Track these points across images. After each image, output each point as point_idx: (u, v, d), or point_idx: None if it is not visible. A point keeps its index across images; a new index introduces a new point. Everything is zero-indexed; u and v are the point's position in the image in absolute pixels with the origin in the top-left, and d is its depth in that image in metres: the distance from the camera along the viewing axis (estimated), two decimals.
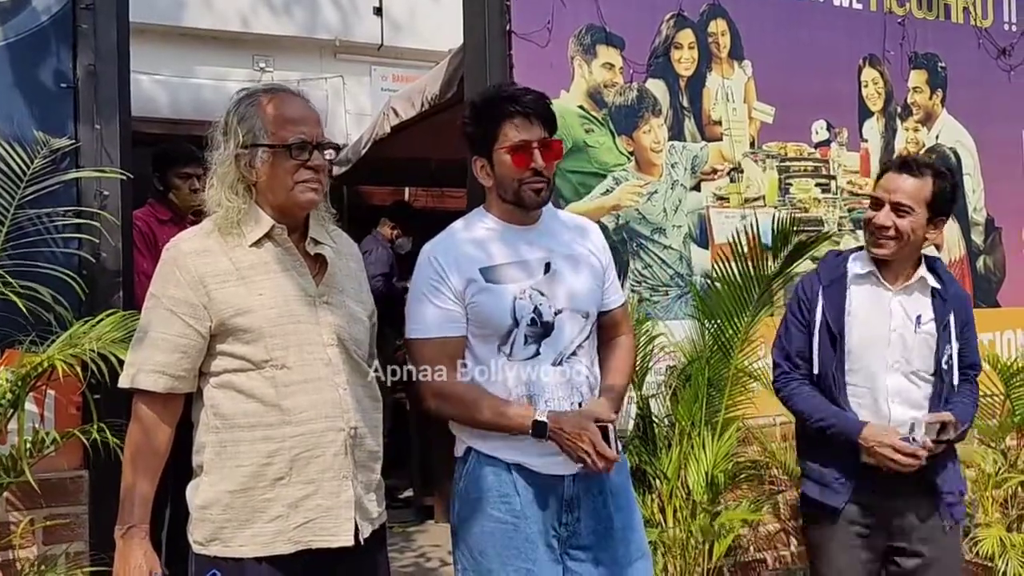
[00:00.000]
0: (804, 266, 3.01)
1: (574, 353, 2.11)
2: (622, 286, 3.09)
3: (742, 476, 3.24)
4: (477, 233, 2.13)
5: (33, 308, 2.44)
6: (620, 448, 2.17)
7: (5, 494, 2.45)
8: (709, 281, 3.55)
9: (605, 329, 2.23)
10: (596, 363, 2.19)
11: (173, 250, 1.85)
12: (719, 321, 3.16)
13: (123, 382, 1.83)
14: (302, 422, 1.81)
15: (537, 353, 2.06)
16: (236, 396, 1.81)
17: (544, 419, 1.97)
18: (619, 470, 2.14)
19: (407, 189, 7.06)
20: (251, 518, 1.80)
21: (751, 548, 3.67)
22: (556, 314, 2.07)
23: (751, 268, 3.01)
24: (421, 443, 4.86)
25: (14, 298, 2.35)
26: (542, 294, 2.08)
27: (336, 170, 6.96)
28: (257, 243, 1.85)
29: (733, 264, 3.09)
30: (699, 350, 3.33)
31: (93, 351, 2.18)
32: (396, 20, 6.94)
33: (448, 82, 4.11)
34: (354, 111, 7.05)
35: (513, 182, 2.06)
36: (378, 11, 6.87)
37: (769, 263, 2.95)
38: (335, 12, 6.84)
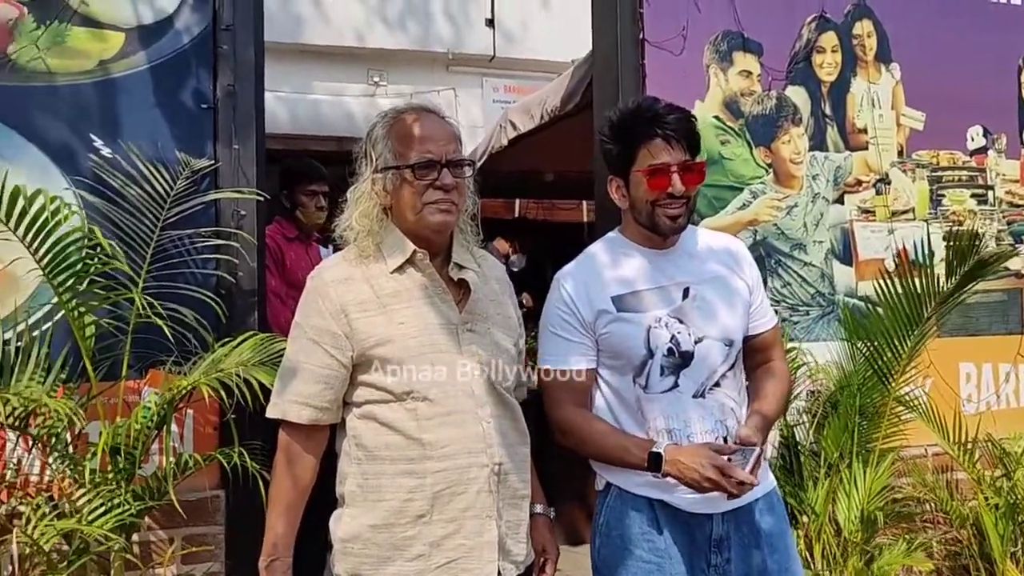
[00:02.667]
0: (980, 286, 2.76)
1: (717, 384, 1.95)
2: None
3: (901, 512, 2.98)
4: (611, 258, 2.00)
5: (175, 331, 2.45)
6: (772, 480, 2.02)
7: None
8: (865, 302, 3.31)
9: (754, 354, 2.05)
10: (744, 393, 2.02)
11: (316, 279, 1.80)
12: (875, 344, 2.92)
13: (272, 412, 1.79)
14: (444, 457, 1.72)
15: (676, 385, 1.92)
16: (378, 428, 1.74)
17: (660, 451, 1.82)
18: (772, 510, 1.98)
19: (518, 201, 6.99)
20: (392, 555, 1.72)
21: None
22: (696, 343, 1.93)
23: (918, 287, 2.75)
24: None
25: (158, 321, 2.36)
26: (680, 322, 1.93)
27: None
28: (399, 269, 1.78)
29: (896, 283, 2.84)
30: (848, 375, 3.09)
31: (238, 375, 2.16)
32: (508, 31, 6.89)
33: (571, 93, 4.00)
34: (466, 123, 7.02)
35: (647, 205, 1.92)
36: (490, 22, 6.84)
37: (941, 282, 2.69)
38: (448, 25, 6.85)
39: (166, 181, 2.61)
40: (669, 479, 1.82)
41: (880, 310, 2.88)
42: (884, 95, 3.62)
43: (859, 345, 3.05)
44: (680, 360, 1.92)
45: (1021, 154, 3.81)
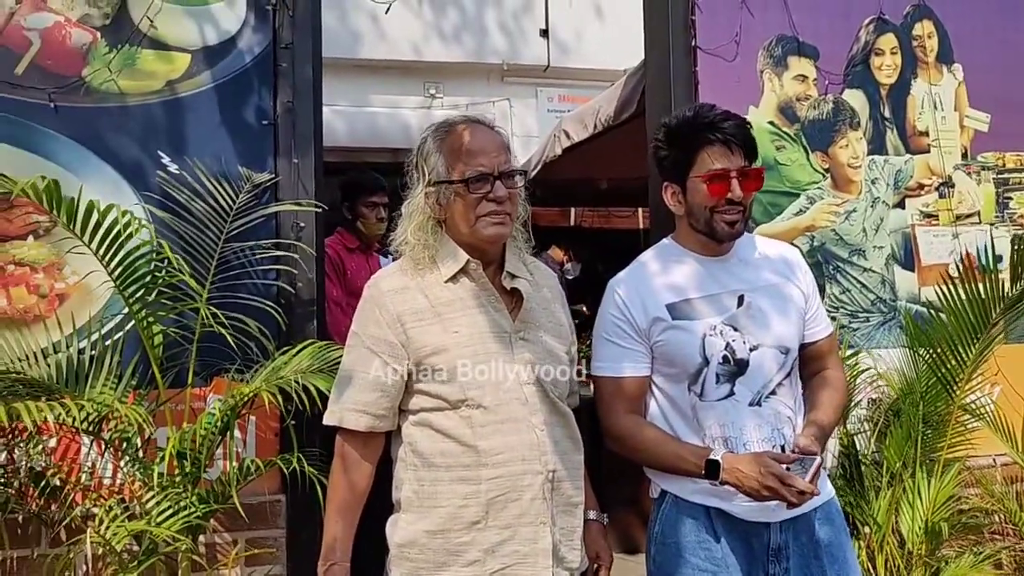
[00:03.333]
0: None
1: (773, 392, 1.93)
2: None
3: (967, 524, 2.90)
4: (665, 266, 2.00)
5: (238, 339, 2.53)
6: (831, 490, 1.99)
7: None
8: (928, 308, 3.23)
9: (809, 363, 2.04)
10: (800, 402, 2.00)
11: (373, 288, 1.84)
12: (939, 351, 2.85)
13: (328, 419, 1.83)
14: (499, 464, 1.74)
15: (731, 393, 1.91)
16: (433, 435, 1.78)
17: (718, 458, 1.81)
18: (831, 520, 1.95)
19: (573, 210, 7.01)
20: (447, 561, 1.75)
21: None
22: (751, 351, 1.92)
23: (982, 292, 2.68)
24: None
25: (222, 331, 2.44)
26: (735, 329, 1.93)
27: None
28: (453, 278, 1.81)
29: (959, 288, 2.77)
30: (911, 383, 3.02)
31: (297, 382, 2.22)
32: (562, 41, 6.92)
33: (625, 102, 4.01)
34: (521, 133, 7.09)
35: (705, 211, 1.92)
36: (544, 33, 6.88)
37: (1006, 287, 2.62)
38: (502, 36, 6.91)
39: (229, 195, 2.71)
40: (727, 487, 1.81)
41: (943, 316, 2.81)
42: (946, 96, 3.54)
43: (922, 352, 2.97)
44: (735, 368, 1.91)
45: None
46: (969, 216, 3.52)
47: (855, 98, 3.44)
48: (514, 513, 1.75)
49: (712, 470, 1.81)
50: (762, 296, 1.95)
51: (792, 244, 3.22)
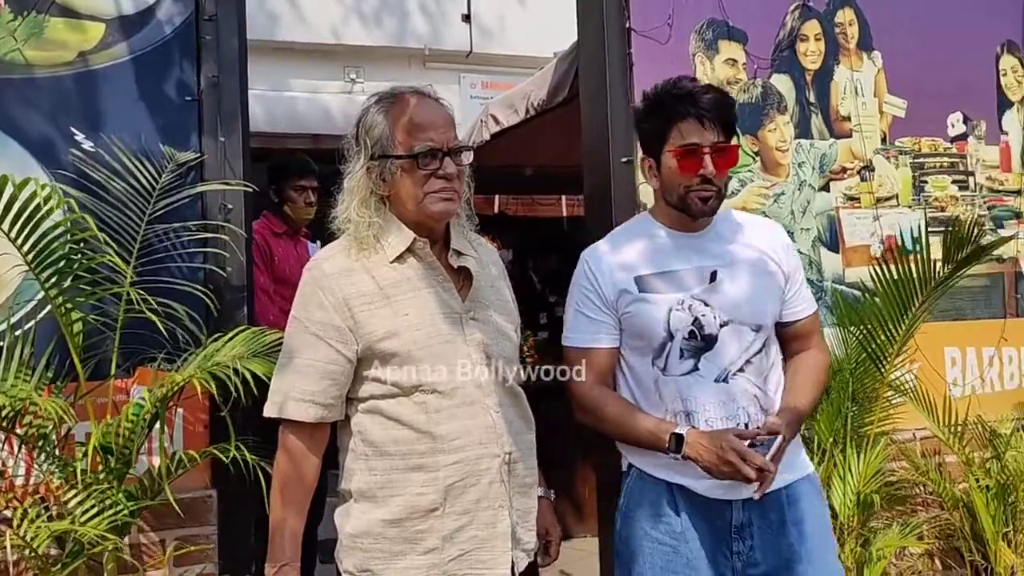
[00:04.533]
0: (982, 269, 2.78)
1: (741, 369, 1.93)
2: None
3: (895, 496, 3.00)
4: (638, 239, 1.98)
5: (166, 326, 2.39)
6: (806, 469, 2.01)
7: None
8: (853, 289, 3.33)
9: (791, 342, 2.03)
10: (773, 380, 1.97)
11: (315, 271, 1.74)
12: (869, 328, 2.93)
13: (269, 411, 1.73)
14: (456, 449, 1.69)
15: (695, 368, 1.90)
16: (386, 423, 1.71)
17: (683, 432, 1.80)
18: (805, 498, 1.95)
19: (498, 197, 6.96)
20: (404, 550, 1.69)
21: (892, 573, 3.42)
22: (722, 326, 1.90)
23: (914, 272, 2.77)
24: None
25: (152, 316, 2.30)
26: (706, 304, 1.91)
27: None
28: (399, 258, 1.73)
29: (892, 269, 2.86)
30: (840, 361, 3.10)
31: (229, 367, 2.11)
32: (485, 26, 6.87)
33: (558, 85, 3.98)
34: None
35: (679, 187, 1.90)
36: (467, 18, 6.80)
37: (937, 267, 2.71)
38: (424, 20, 6.80)
39: (151, 175, 2.56)
40: (689, 462, 1.81)
41: (875, 295, 2.89)
42: (867, 83, 3.64)
43: (852, 331, 3.05)
44: (702, 343, 1.90)
45: (1000, 140, 3.85)
46: (888, 199, 3.64)
47: (782, 83, 3.50)
48: (472, 498, 1.70)
49: (676, 444, 1.80)
50: (738, 272, 1.93)
51: None
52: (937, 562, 3.47)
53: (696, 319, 1.90)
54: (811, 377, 1.98)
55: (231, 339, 2.36)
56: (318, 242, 4.03)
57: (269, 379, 1.96)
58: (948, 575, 3.42)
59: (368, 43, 6.67)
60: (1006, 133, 3.86)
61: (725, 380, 1.91)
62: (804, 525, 1.92)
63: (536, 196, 6.96)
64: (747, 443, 1.77)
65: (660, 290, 1.92)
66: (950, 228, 2.70)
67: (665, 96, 1.92)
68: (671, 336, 1.90)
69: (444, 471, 1.68)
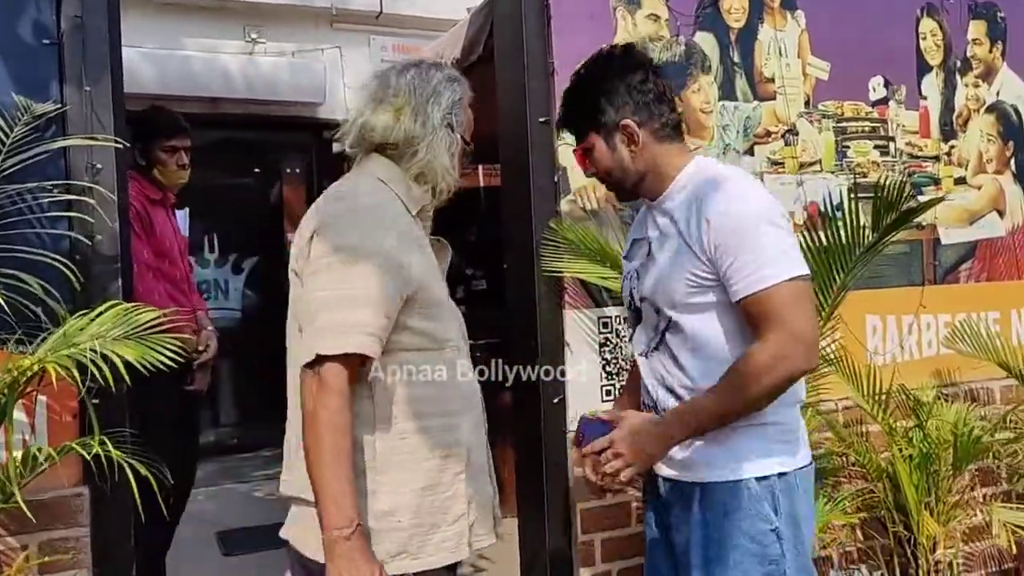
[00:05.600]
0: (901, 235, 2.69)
1: (656, 348, 1.85)
2: None
3: (823, 468, 2.91)
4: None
5: (18, 303, 2.07)
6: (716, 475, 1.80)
7: None
8: None
9: (749, 327, 1.73)
10: (698, 364, 1.78)
11: (367, 198, 1.64)
12: None
13: (340, 346, 1.51)
14: (474, 406, 1.73)
15: (632, 338, 1.96)
16: (416, 379, 1.62)
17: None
18: (711, 506, 1.78)
19: None
20: (437, 521, 1.61)
21: (816, 546, 3.37)
22: (641, 300, 1.89)
23: (843, 238, 2.65)
24: None
25: None
26: (637, 278, 1.90)
27: (337, 147, 6.55)
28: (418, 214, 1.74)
29: (821, 235, 2.74)
30: None
31: (93, 351, 1.82)
32: None
33: (472, 43, 3.73)
34: (354, 84, 6.63)
35: None
36: None
37: (867, 233, 2.59)
38: None
39: (1, 129, 2.21)
40: None
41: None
42: (790, 43, 3.52)
43: None
44: (634, 317, 1.93)
45: (920, 105, 3.80)
46: (812, 164, 3.55)
47: (706, 41, 3.34)
48: (481, 459, 1.73)
49: None
50: (663, 246, 1.83)
51: None
52: (859, 533, 3.43)
53: (630, 292, 1.93)
54: (727, 381, 1.69)
55: (97, 317, 2.05)
56: (187, 209, 3.69)
57: (143, 365, 1.83)
58: (871, 545, 3.39)
59: (271, 0, 6.24)
60: (925, 98, 3.81)
61: (645, 356, 1.89)
62: (699, 531, 1.78)
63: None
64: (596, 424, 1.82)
65: (629, 258, 1.98)
66: (878, 193, 2.60)
67: None
68: (627, 306, 1.98)
69: (466, 430, 1.68)
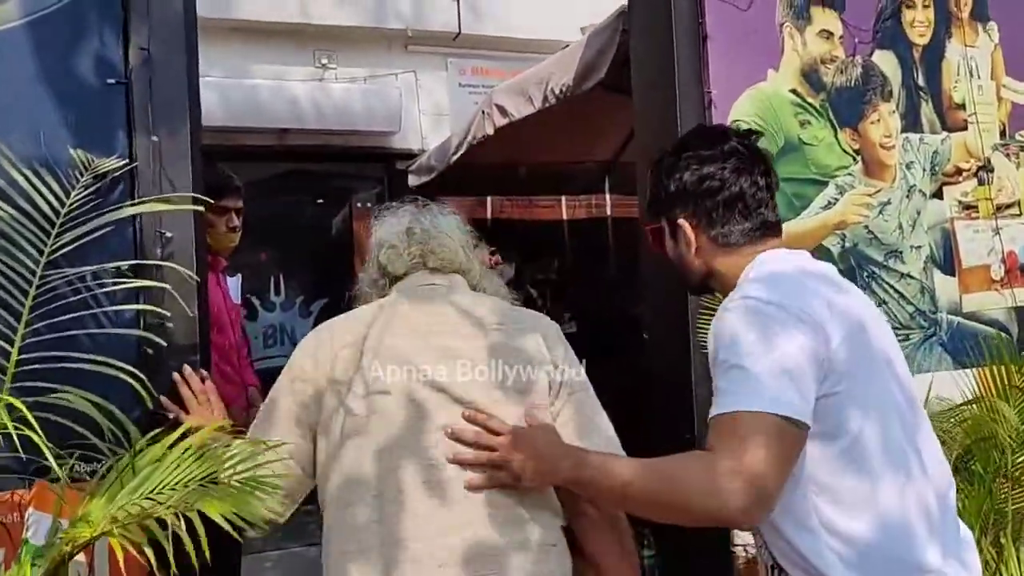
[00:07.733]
0: None
1: None
2: None
3: None
4: None
5: (71, 429, 1.58)
6: None
7: None
8: (982, 322, 2.62)
9: None
10: None
11: None
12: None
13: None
14: None
15: None
16: None
17: None
18: None
19: (489, 199, 6.15)
20: None
21: None
22: None
23: None
24: None
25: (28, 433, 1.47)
26: None
27: (413, 180, 6.09)
28: None
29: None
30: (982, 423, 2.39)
31: (176, 514, 1.30)
32: (475, 4, 6.05)
33: (590, 67, 3.20)
34: (430, 111, 6.17)
35: None
36: None
37: None
38: None
39: (54, 192, 1.74)
40: None
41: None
42: (982, 62, 2.92)
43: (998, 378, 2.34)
44: None
45: None
46: (1009, 206, 2.93)
47: (886, 61, 2.76)
48: None
49: None
50: None
51: (821, 245, 2.59)
52: None
53: None
54: (660, 462, 1.42)
55: (177, 441, 1.54)
56: (239, 276, 3.22)
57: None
58: None
59: (342, 22, 5.81)
60: None
61: None
62: None
63: (533, 197, 6.19)
64: None
65: None
66: None
67: None
68: None
69: None
